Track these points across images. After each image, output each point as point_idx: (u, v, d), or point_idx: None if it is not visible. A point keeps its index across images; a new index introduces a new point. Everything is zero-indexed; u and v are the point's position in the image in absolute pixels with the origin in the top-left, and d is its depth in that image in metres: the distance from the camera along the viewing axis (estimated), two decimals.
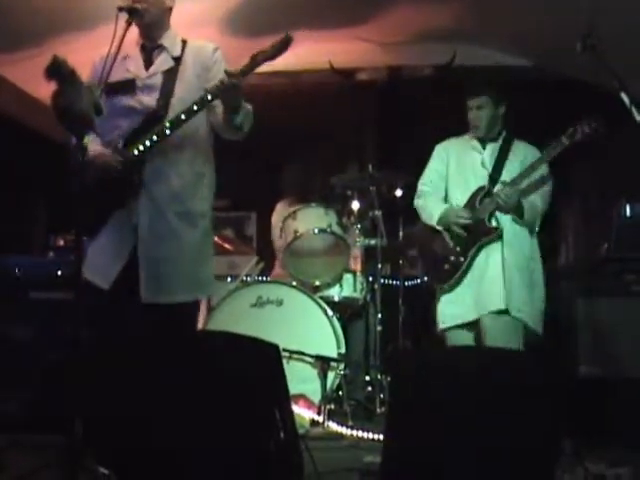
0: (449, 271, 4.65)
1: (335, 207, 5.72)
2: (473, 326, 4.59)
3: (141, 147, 3.57)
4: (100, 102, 3.25)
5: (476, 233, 4.61)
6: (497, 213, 4.60)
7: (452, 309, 4.66)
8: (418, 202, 4.90)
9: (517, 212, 4.56)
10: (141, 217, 3.62)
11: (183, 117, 3.56)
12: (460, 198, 4.73)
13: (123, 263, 3.61)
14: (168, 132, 3.57)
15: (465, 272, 4.61)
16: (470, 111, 4.72)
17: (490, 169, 4.68)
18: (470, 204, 4.66)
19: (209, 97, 3.54)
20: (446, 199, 4.83)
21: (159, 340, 3.13)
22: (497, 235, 4.56)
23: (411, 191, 5.02)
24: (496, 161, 4.69)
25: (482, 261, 4.59)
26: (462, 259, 4.61)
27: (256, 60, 3.49)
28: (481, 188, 4.65)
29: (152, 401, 2.85)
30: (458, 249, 4.64)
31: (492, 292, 4.48)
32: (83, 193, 3.19)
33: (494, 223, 4.60)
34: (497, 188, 4.59)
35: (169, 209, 3.65)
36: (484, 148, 4.74)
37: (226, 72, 3.50)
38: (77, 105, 3.08)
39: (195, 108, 3.56)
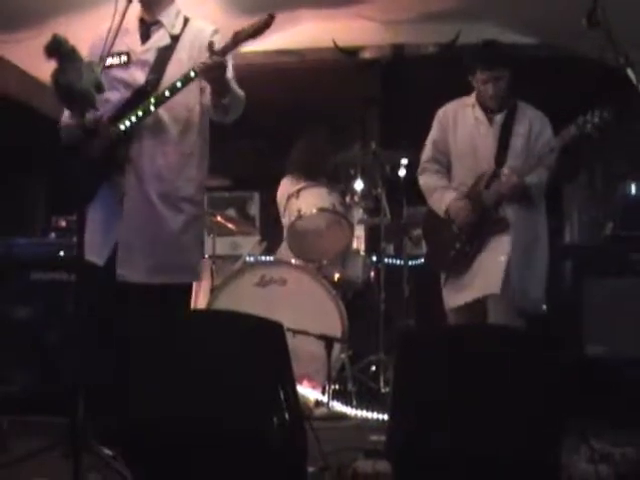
0: (454, 258, 4.59)
1: (339, 186, 5.72)
2: (472, 307, 4.53)
3: (127, 122, 3.55)
4: (101, 80, 3.23)
5: (483, 222, 4.53)
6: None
7: (455, 293, 4.62)
8: (422, 180, 4.83)
9: (524, 199, 4.51)
10: (126, 194, 3.61)
11: (167, 94, 3.54)
12: (465, 177, 4.65)
13: (115, 240, 3.60)
14: (152, 108, 3.55)
15: (471, 259, 4.54)
16: (487, 83, 4.54)
17: (496, 146, 4.58)
18: (476, 188, 4.58)
19: (192, 74, 3.51)
20: (449, 171, 4.76)
21: (162, 318, 3.13)
22: (505, 225, 4.48)
23: (414, 170, 4.96)
24: (501, 135, 4.59)
25: (488, 248, 4.51)
26: (468, 248, 4.55)
27: (237, 38, 3.47)
28: (488, 171, 4.56)
29: (154, 380, 2.85)
30: (464, 237, 4.58)
31: (493, 276, 4.40)
32: (82, 171, 3.17)
33: (500, 210, 4.53)
34: (503, 174, 4.51)
35: (152, 188, 3.62)
36: (490, 121, 4.62)
37: (209, 48, 3.46)
38: (78, 83, 3.06)
39: (179, 85, 3.53)
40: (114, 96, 3.63)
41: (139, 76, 3.66)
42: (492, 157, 4.58)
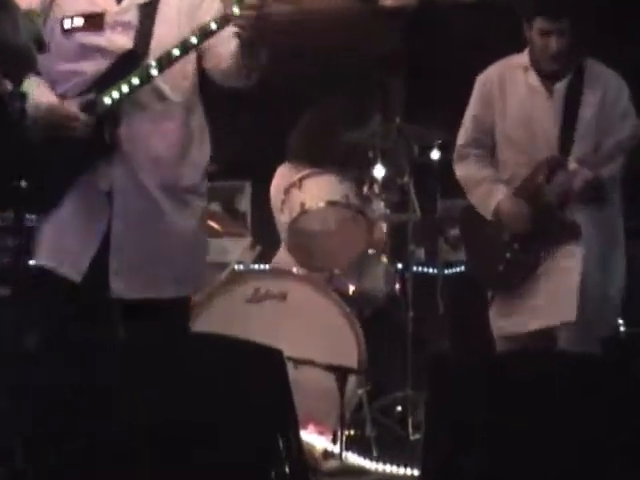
0: (505, 273, 4.56)
1: (353, 173, 5.70)
2: (532, 335, 4.46)
3: (115, 94, 3.53)
4: (43, 35, 3.22)
5: (544, 228, 4.46)
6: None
7: (506, 317, 4.58)
8: (460, 170, 4.78)
9: (598, 197, 4.45)
10: (116, 187, 3.63)
11: (177, 53, 3.56)
12: (517, 165, 4.60)
13: (97, 246, 3.61)
14: (155, 72, 3.56)
15: (528, 275, 4.48)
16: (548, 36, 4.41)
17: (559, 123, 4.50)
18: (534, 181, 4.51)
19: (213, 26, 3.54)
20: (493, 156, 4.71)
21: (134, 345, 3.13)
22: (575, 232, 4.41)
23: (451, 152, 4.94)
24: (566, 108, 4.50)
25: (553, 261, 4.44)
26: (522, 259, 4.51)
27: None
28: (549, 158, 4.50)
29: (125, 421, 2.84)
30: (516, 245, 4.54)
31: (566, 300, 4.33)
32: (26, 154, 3.16)
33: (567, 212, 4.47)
34: (572, 165, 4.44)
35: (150, 178, 3.66)
36: (550, 90, 4.52)
37: None
38: (12, 37, 3.05)
39: (193, 41, 3.56)
40: (87, 67, 3.65)
41: (121, 40, 3.68)
42: (554, 138, 4.51)
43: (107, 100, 3.54)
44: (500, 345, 4.61)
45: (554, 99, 4.52)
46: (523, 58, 4.61)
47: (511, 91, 4.61)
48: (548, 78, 4.54)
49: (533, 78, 4.56)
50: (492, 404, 2.81)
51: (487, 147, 4.71)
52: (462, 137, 4.77)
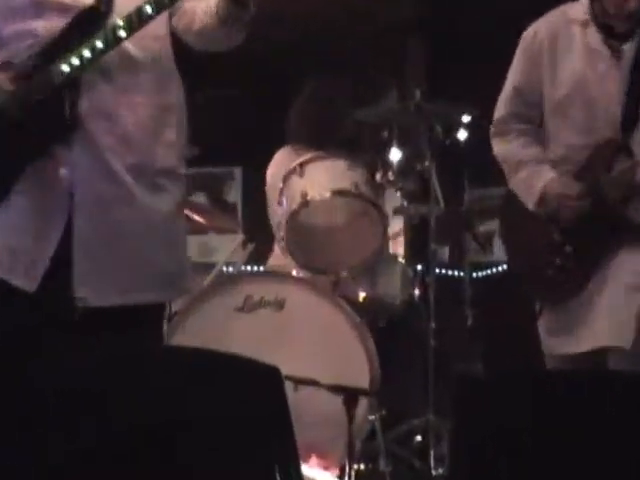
0: (554, 280, 4.48)
1: (364, 158, 5.69)
2: (588, 355, 4.39)
3: (75, 60, 3.50)
4: None
5: (603, 225, 4.38)
6: None
7: (557, 334, 4.52)
8: (498, 148, 4.69)
9: None
10: (78, 173, 3.60)
11: (149, 11, 3.51)
12: (569, 147, 4.48)
13: (54, 247, 3.59)
14: (123, 34, 3.52)
15: (582, 283, 4.40)
16: None
17: (624, 96, 4.34)
18: (591, 168, 4.42)
19: None
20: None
21: (104, 362, 3.11)
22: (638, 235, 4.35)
23: (481, 132, 4.92)
24: (634, 77, 4.32)
25: (611, 269, 4.35)
26: (573, 264, 4.42)
27: None
28: (610, 142, 4.38)
29: (98, 455, 2.83)
30: (569, 248, 4.45)
31: (620, 321, 4.27)
32: None
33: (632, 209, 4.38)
34: (637, 149, 4.34)
35: (117, 160, 3.63)
36: (615, 52, 4.33)
37: None
38: None
39: None
40: (38, 25, 3.61)
41: None
42: (617, 113, 4.39)
43: (65, 68, 3.48)
44: (550, 364, 4.56)
45: (621, 64, 4.37)
46: (580, 9, 4.43)
47: (565, 52, 4.46)
48: (613, 37, 4.37)
49: (594, 37, 4.38)
50: (536, 429, 2.80)
51: (533, 120, 4.61)
52: (501, 109, 4.67)
